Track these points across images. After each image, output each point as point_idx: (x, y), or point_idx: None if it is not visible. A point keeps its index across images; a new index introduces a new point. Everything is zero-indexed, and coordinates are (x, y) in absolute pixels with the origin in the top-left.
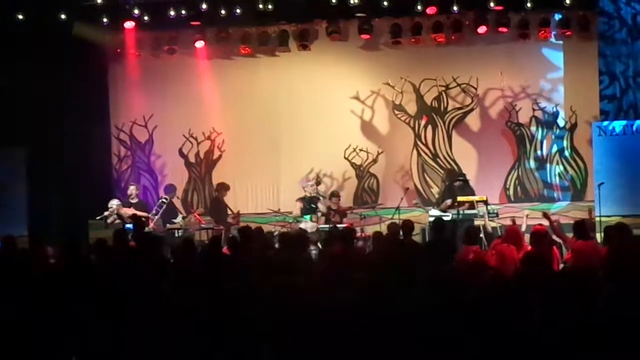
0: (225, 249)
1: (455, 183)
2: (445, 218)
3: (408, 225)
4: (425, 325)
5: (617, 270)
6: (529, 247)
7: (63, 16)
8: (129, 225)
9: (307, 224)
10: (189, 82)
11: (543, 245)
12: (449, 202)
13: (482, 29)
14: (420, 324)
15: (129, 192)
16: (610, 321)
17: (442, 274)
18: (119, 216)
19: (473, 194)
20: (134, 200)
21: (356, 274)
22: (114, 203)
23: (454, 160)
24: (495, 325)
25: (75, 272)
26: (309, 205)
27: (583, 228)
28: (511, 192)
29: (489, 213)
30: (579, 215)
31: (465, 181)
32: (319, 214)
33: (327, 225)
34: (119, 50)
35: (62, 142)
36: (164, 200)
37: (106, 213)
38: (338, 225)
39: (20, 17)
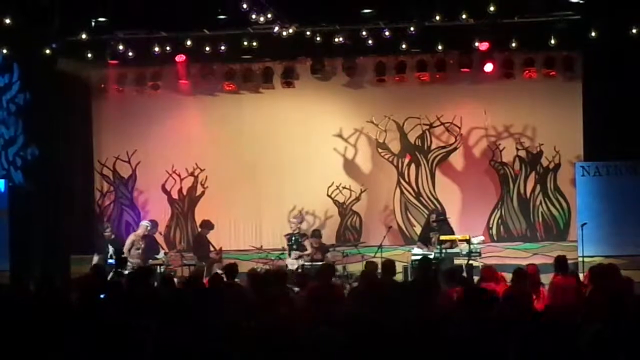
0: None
1: (434, 224)
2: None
3: (388, 265)
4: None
5: (600, 310)
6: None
7: (48, 51)
8: (111, 261)
9: (288, 261)
10: (173, 118)
11: (524, 283)
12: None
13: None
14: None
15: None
16: None
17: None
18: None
19: (452, 232)
20: (112, 237)
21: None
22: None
23: (437, 199)
24: None
25: (50, 307)
26: (295, 242)
27: (564, 263)
28: (494, 231)
29: (471, 252)
30: None
31: (445, 220)
32: (305, 253)
33: (310, 263)
34: (102, 86)
35: (45, 176)
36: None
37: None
38: (318, 263)
39: (4, 51)
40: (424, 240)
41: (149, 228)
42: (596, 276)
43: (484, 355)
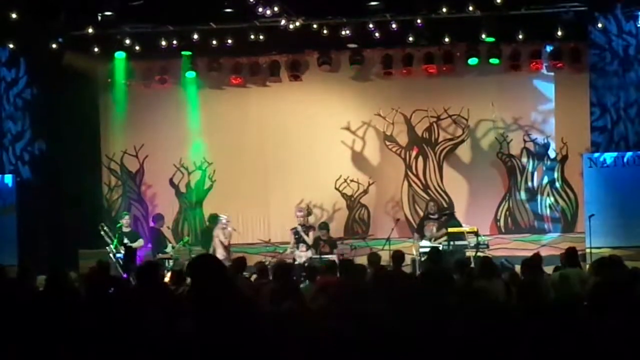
0: None
1: (442, 218)
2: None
3: (398, 255)
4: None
5: (606, 302)
6: None
7: (54, 46)
8: (119, 255)
9: (296, 254)
10: (180, 112)
11: (535, 273)
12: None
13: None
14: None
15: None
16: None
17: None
18: None
19: (460, 226)
20: (127, 230)
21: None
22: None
23: (444, 192)
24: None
25: (60, 301)
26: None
27: (574, 255)
28: (502, 223)
29: (479, 244)
30: None
31: (452, 213)
32: (308, 244)
33: (317, 256)
34: (109, 80)
35: (53, 171)
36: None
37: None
38: (327, 256)
39: (11, 46)
40: (419, 230)
41: (225, 221)
42: (602, 268)
43: (494, 347)
